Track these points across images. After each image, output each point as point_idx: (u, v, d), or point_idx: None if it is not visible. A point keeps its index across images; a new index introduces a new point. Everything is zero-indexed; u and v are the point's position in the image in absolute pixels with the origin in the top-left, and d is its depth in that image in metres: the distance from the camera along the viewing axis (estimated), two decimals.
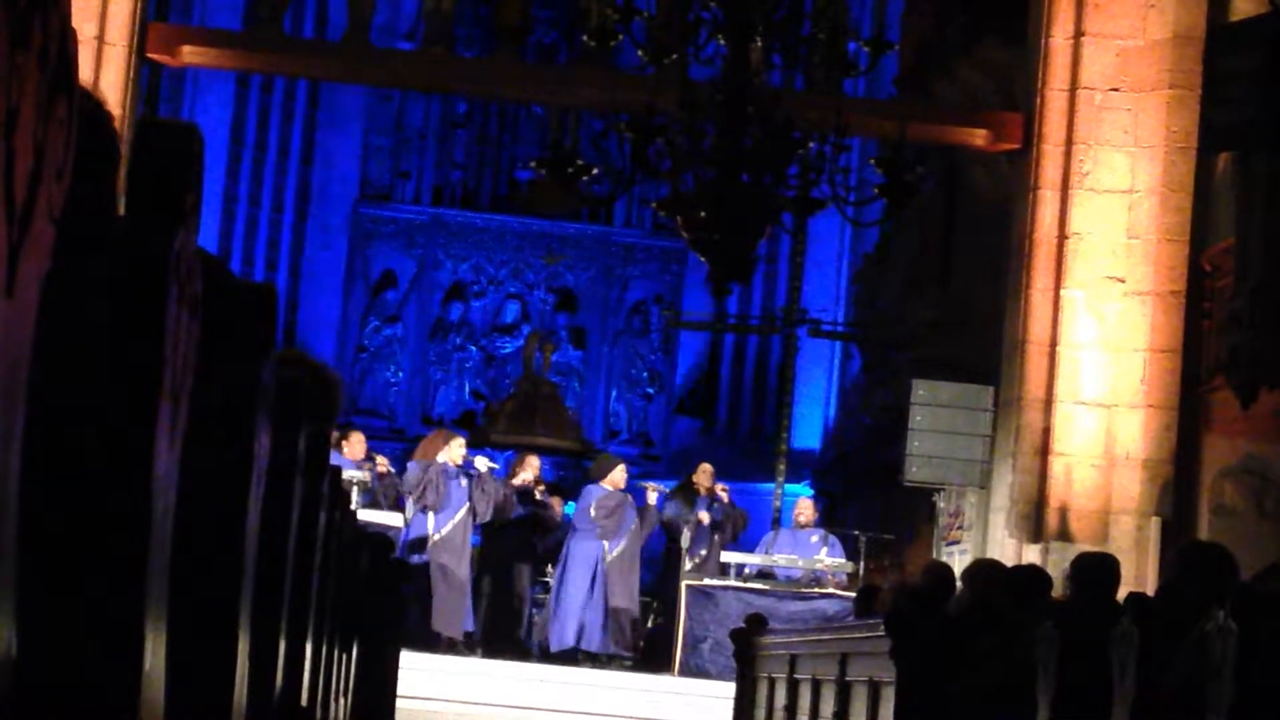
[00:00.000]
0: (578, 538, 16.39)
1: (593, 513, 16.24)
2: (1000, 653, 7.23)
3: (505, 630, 16.55)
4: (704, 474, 17.08)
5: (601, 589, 16.13)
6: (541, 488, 17.09)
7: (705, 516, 16.54)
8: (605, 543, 16.21)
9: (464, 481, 15.96)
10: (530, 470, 16.91)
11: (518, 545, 16.72)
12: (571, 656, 16.07)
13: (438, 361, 26.40)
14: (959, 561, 13.49)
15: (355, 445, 15.78)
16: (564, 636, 16.13)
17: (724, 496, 17.03)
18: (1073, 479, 13.70)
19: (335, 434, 16.05)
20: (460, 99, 26.04)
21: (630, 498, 16.62)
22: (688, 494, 16.93)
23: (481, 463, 16.22)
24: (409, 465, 16.19)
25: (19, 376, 1.51)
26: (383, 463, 16.30)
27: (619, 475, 16.65)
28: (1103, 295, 13.77)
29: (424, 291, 26.38)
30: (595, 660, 16.03)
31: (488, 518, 16.14)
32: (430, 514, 15.77)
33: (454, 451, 16.05)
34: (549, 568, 17.26)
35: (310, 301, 25.96)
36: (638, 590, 16.57)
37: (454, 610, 15.75)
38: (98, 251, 1.81)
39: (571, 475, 23.26)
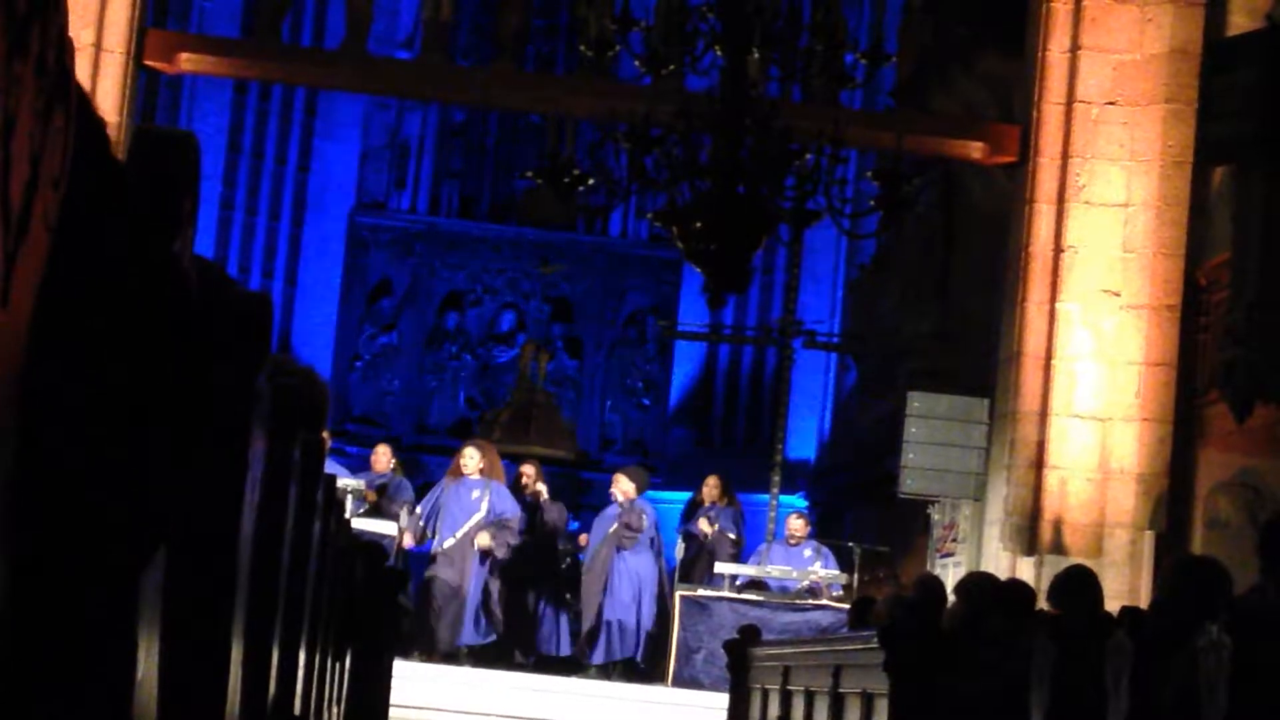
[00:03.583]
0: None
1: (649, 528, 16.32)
2: (994, 665, 7.24)
3: (524, 639, 16.52)
4: (708, 488, 17.03)
5: (596, 601, 16.19)
6: (541, 488, 16.93)
7: (704, 525, 16.51)
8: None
9: (475, 493, 15.89)
10: (534, 479, 16.85)
11: (539, 557, 16.65)
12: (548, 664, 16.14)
13: (433, 370, 26.40)
14: (953, 574, 13.49)
15: (380, 459, 15.90)
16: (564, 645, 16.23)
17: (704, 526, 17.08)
18: (1067, 492, 13.70)
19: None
20: (457, 108, 26.04)
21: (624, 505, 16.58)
22: (695, 506, 17.03)
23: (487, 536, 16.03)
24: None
25: (14, 384, 1.51)
26: (370, 496, 16.04)
27: (617, 485, 16.62)
28: (1098, 309, 13.78)
29: (420, 300, 26.37)
30: (602, 671, 16.04)
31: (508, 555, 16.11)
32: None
33: (466, 462, 16.01)
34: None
35: (306, 309, 25.95)
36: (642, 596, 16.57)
37: (452, 622, 15.71)
38: (95, 259, 1.81)
39: (566, 485, 23.24)
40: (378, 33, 19.65)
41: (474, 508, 15.82)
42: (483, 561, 15.95)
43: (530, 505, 16.64)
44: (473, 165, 27.23)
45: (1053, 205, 13.98)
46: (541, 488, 16.77)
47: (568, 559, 17.00)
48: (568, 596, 16.86)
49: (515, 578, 16.38)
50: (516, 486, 16.68)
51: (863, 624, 10.32)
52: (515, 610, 16.43)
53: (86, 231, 1.80)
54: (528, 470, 17.02)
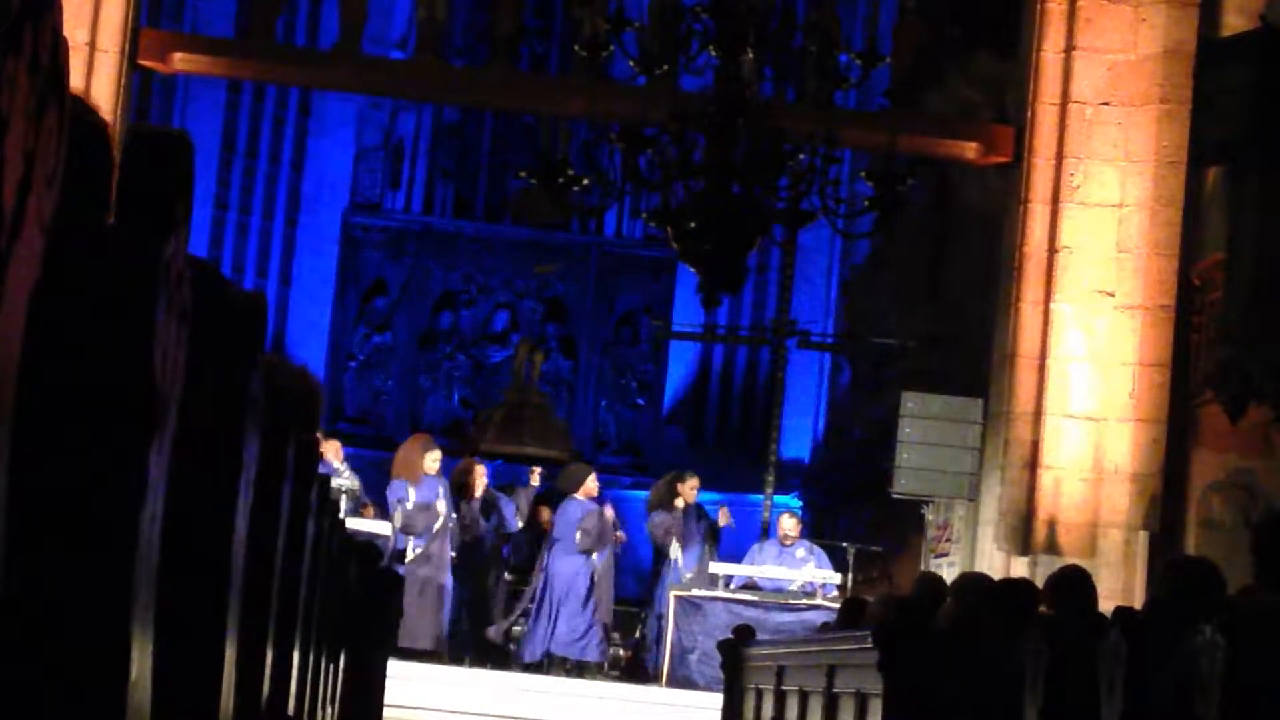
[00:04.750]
0: (560, 551, 16.29)
1: (579, 534, 16.16)
2: (988, 666, 7.24)
3: (481, 638, 16.53)
4: (691, 489, 16.82)
5: (595, 602, 16.09)
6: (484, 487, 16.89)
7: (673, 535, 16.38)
8: (594, 556, 16.15)
9: (440, 489, 15.86)
10: (481, 483, 16.76)
11: (491, 554, 16.67)
12: (547, 666, 16.04)
13: (427, 370, 26.39)
14: (947, 574, 13.48)
15: (329, 452, 15.70)
16: (537, 648, 16.09)
17: (723, 517, 17.02)
18: (1061, 492, 13.71)
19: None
20: (451, 108, 26.04)
21: (603, 508, 16.46)
22: (669, 499, 16.71)
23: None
24: (393, 486, 15.98)
25: (7, 384, 1.51)
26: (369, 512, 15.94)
27: (592, 485, 16.54)
28: (1092, 309, 13.79)
29: (414, 300, 26.36)
30: (581, 670, 15.98)
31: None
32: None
33: (429, 464, 15.91)
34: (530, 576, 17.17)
35: (300, 309, 25.94)
36: (613, 600, 16.53)
37: (427, 622, 15.63)
38: (88, 260, 1.81)
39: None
40: (372, 33, 19.65)
41: (441, 507, 15.83)
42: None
43: (485, 503, 16.62)
44: (467, 165, 27.23)
45: (1047, 205, 13.99)
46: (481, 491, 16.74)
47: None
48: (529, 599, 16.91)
49: (480, 579, 16.43)
50: (465, 484, 16.53)
51: (853, 625, 10.31)
52: (481, 610, 16.47)
53: (81, 232, 1.80)
54: (481, 470, 16.91)
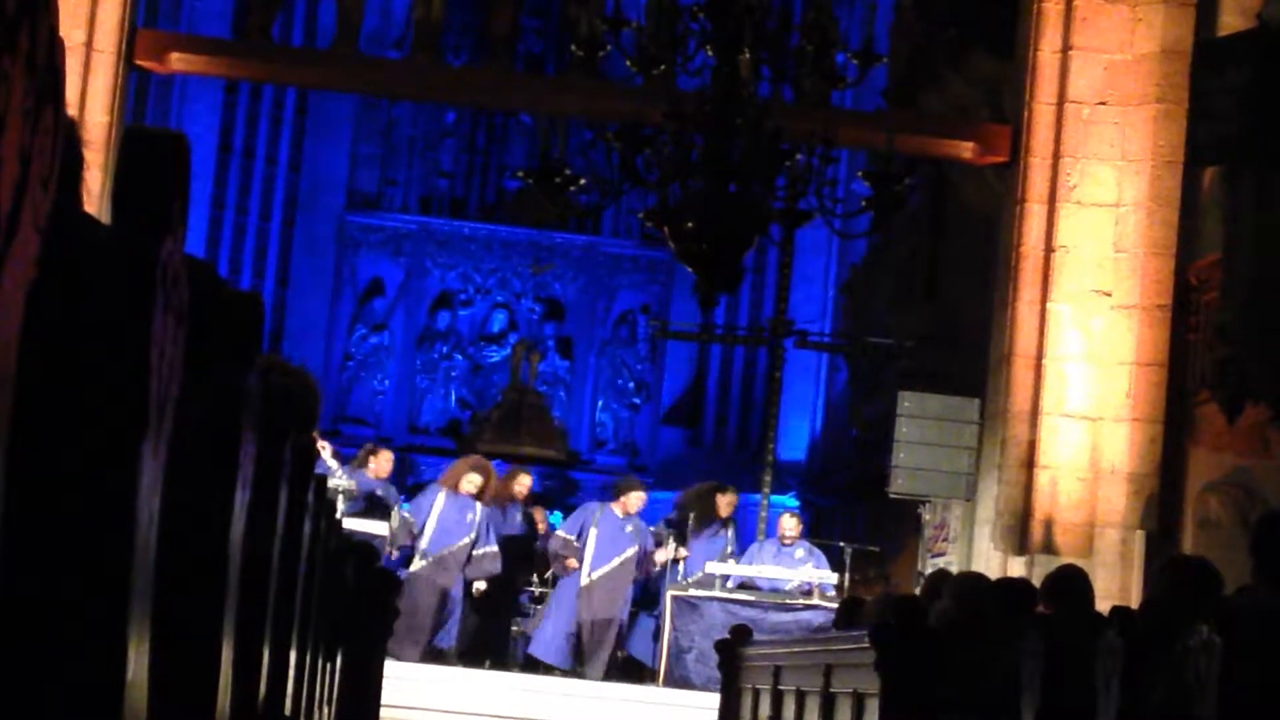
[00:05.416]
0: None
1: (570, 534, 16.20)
2: (985, 665, 7.24)
3: (493, 643, 16.53)
4: (728, 504, 16.66)
5: (574, 606, 16.03)
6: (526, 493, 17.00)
7: (665, 554, 16.17)
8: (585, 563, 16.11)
9: (470, 515, 15.80)
10: (524, 491, 16.85)
11: (508, 561, 16.67)
12: (537, 665, 16.03)
13: (424, 370, 26.41)
14: None
15: (383, 463, 15.65)
16: (540, 648, 16.07)
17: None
18: (1058, 492, 13.71)
19: (363, 452, 15.96)
20: (448, 108, 26.06)
21: (638, 525, 16.33)
22: (705, 510, 16.52)
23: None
24: (429, 489, 16.21)
25: (4, 384, 1.51)
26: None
27: (630, 501, 16.31)
28: (1089, 308, 13.79)
29: (411, 300, 26.39)
30: (579, 671, 15.96)
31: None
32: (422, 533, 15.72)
33: (465, 484, 15.91)
34: (535, 578, 17.19)
35: (297, 309, 25.96)
36: (623, 605, 16.36)
37: (412, 639, 15.60)
38: (85, 260, 1.81)
39: (556, 485, 23.25)
40: (369, 33, 19.66)
41: (467, 529, 15.76)
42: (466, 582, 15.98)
43: (526, 512, 16.70)
44: (463, 165, 27.25)
45: (1044, 205, 13.99)
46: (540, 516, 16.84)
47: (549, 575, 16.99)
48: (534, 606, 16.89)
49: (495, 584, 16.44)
50: (507, 493, 16.59)
51: (850, 626, 10.30)
52: (493, 616, 16.48)
53: (76, 231, 1.80)
54: (524, 480, 16.95)
